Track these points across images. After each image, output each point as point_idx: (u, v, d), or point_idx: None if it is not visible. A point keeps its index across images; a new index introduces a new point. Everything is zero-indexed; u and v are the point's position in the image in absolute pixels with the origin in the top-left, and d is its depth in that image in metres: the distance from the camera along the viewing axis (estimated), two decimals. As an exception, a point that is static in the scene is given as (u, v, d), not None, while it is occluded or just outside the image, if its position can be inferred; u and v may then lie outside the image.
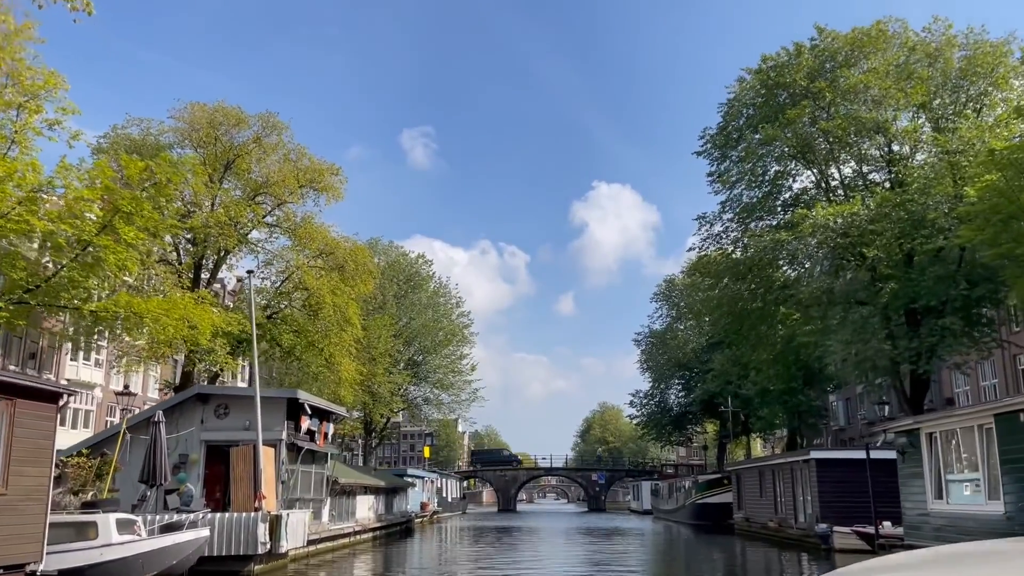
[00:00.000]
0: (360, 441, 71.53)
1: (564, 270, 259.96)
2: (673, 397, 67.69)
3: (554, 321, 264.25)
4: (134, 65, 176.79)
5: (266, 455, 19.11)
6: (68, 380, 37.82)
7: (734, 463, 47.42)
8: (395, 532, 35.89)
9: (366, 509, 31.82)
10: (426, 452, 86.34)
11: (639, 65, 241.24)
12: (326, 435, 24.28)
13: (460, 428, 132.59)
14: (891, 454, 23.27)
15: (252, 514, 17.71)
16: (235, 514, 17.76)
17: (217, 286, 46.84)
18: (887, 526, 22.82)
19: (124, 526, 15.57)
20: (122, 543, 15.13)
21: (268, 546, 17.64)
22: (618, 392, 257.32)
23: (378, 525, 32.79)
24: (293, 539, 18.86)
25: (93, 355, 40.07)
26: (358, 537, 28.89)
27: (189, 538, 15.77)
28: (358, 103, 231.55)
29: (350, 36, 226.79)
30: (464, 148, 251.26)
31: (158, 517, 16.77)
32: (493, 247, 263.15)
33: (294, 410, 22.06)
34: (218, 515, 17.56)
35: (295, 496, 22.28)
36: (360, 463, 61.72)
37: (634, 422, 74.44)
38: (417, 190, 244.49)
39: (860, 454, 25.82)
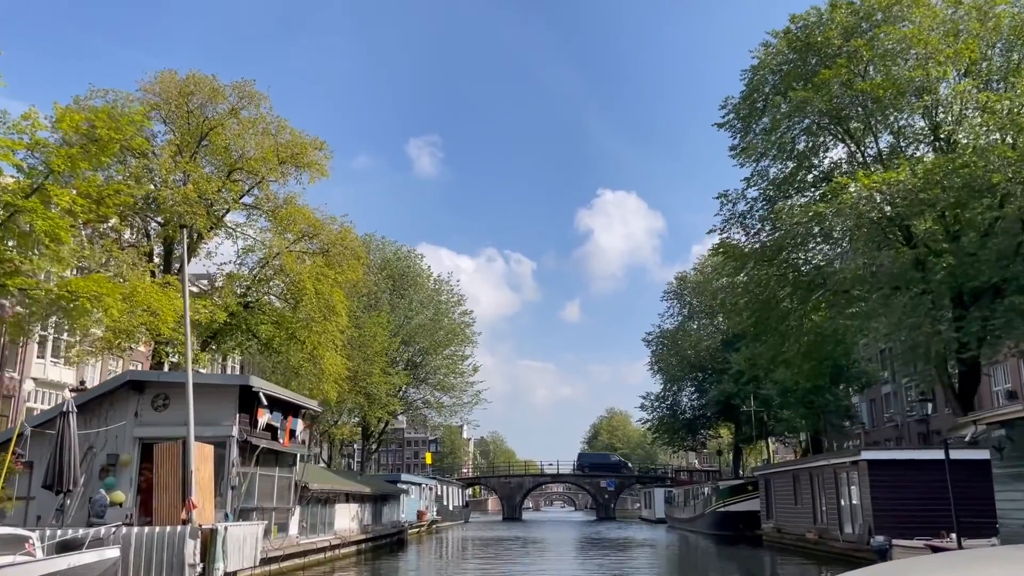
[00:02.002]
0: (356, 446, 68.22)
1: (570, 277, 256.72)
2: (686, 400, 64.41)
3: (560, 328, 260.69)
4: (133, 68, 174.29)
5: (201, 453, 15.40)
6: (35, 379, 34.88)
7: (760, 467, 43.77)
8: (384, 545, 32.29)
9: (348, 519, 28.16)
10: (428, 458, 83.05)
11: (644, 72, 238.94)
12: (293, 432, 20.58)
13: (465, 434, 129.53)
14: (963, 453, 19.84)
15: (179, 528, 13.99)
16: (156, 528, 14.02)
17: (204, 283, 43.65)
18: (952, 539, 19.28)
19: (8, 544, 12.11)
20: (1, 567, 11.67)
21: (200, 568, 13.97)
22: (625, 398, 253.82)
23: (363, 537, 29.13)
24: (237, 558, 15.08)
25: (62, 352, 36.70)
26: (338, 552, 25.29)
27: (91, 560, 12.20)
28: (364, 112, 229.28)
29: (356, 45, 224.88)
30: (470, 156, 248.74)
31: (59, 532, 13.19)
32: (499, 255, 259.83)
33: (248, 401, 18.33)
34: (135, 530, 13.76)
35: (251, 505, 18.57)
36: (358, 469, 58.35)
37: (645, 426, 71.00)
38: (423, 198, 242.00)
39: (921, 454, 22.40)
